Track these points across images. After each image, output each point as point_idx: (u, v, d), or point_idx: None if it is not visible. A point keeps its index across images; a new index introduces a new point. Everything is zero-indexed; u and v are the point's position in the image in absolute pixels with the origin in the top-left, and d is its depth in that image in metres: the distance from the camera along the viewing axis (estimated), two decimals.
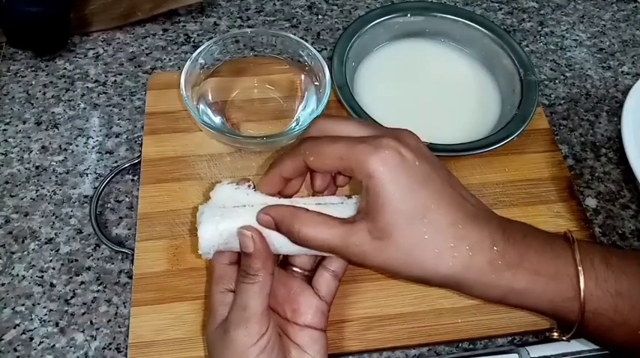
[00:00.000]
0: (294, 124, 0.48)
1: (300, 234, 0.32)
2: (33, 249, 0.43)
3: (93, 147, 0.49)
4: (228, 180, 0.36)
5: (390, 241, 0.31)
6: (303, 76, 0.50)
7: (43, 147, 0.49)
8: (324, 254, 0.35)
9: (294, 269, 0.37)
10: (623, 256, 0.33)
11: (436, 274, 0.31)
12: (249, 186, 0.36)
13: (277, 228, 0.33)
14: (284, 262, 0.38)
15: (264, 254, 0.33)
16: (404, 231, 0.31)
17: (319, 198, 0.36)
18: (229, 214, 0.34)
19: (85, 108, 0.51)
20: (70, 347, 0.40)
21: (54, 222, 0.45)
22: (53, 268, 0.43)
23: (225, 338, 0.32)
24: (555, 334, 0.36)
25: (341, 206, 0.35)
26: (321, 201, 0.35)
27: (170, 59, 0.55)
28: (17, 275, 0.42)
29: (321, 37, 0.58)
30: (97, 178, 0.47)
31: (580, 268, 0.32)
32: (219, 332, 0.33)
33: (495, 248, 0.31)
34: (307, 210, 0.33)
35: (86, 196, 0.46)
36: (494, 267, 0.31)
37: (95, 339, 0.40)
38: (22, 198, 0.46)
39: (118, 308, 0.41)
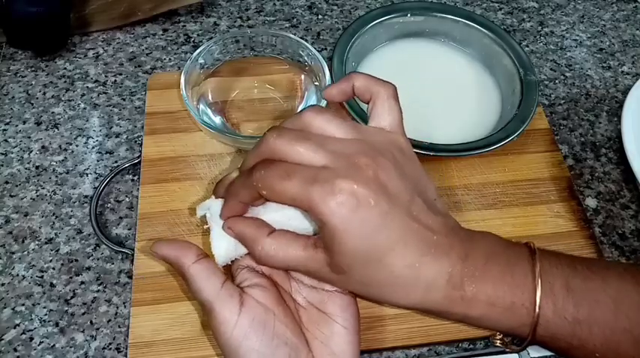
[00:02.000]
0: None
1: (261, 255, 0.32)
2: (33, 249, 0.43)
3: (93, 147, 0.49)
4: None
5: (347, 276, 0.31)
6: (303, 76, 0.50)
7: (43, 147, 0.49)
8: None
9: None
10: (589, 277, 0.32)
11: (394, 304, 0.32)
12: None
13: (241, 242, 0.34)
14: None
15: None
16: (360, 271, 0.31)
17: None
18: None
19: (85, 108, 0.51)
20: (70, 347, 0.40)
21: (54, 222, 0.45)
22: (53, 268, 0.43)
23: (212, 330, 0.33)
24: (498, 342, 0.36)
25: None
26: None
27: (170, 59, 0.55)
28: (17, 275, 0.42)
29: (321, 37, 0.58)
30: (97, 178, 0.47)
31: (538, 298, 0.31)
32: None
33: (452, 284, 0.31)
34: (271, 229, 0.33)
35: (86, 196, 0.46)
36: (449, 300, 0.31)
37: (95, 339, 0.40)
38: (22, 198, 0.46)
39: (118, 308, 0.41)
